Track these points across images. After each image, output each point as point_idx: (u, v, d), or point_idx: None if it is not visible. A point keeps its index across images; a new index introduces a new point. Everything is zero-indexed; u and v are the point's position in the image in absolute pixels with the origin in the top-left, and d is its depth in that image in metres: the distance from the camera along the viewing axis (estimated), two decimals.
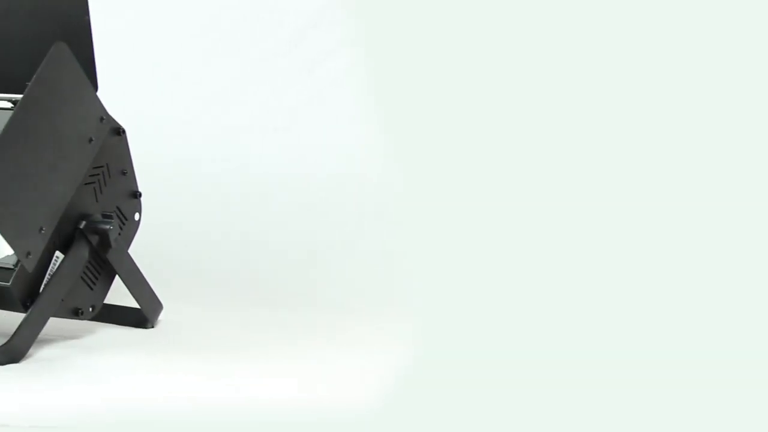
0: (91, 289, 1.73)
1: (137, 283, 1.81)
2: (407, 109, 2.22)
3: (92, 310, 1.74)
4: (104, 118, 1.71)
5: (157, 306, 1.87)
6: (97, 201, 1.72)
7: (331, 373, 1.61)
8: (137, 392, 1.49)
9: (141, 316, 1.86)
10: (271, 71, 2.28)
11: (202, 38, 2.32)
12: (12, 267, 1.62)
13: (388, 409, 1.41)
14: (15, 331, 1.59)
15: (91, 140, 1.69)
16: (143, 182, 1.82)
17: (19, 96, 1.79)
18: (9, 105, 1.83)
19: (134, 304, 1.83)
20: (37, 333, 1.62)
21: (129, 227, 1.80)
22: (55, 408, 1.40)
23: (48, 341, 1.72)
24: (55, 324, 1.80)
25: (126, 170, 1.78)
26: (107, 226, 1.69)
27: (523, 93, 2.17)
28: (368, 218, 2.20)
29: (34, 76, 1.54)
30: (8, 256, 1.64)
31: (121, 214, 1.78)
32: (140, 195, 1.81)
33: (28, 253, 1.58)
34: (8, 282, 1.59)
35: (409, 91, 2.23)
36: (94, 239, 1.71)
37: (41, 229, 1.60)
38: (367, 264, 2.11)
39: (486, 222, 2.07)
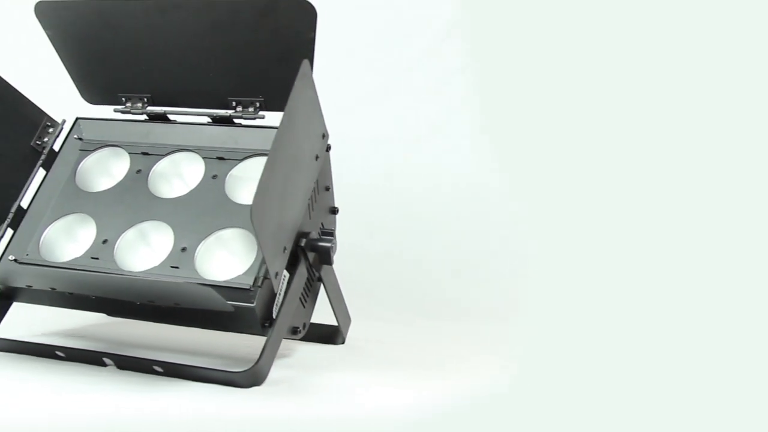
0: (303, 306, 1.71)
1: (339, 299, 1.80)
2: (541, 123, 2.27)
3: (303, 328, 1.72)
4: (325, 134, 1.69)
5: (348, 321, 1.86)
6: (310, 218, 1.70)
7: None
8: (384, 410, 1.49)
9: (332, 332, 1.84)
10: (406, 84, 2.28)
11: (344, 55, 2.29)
12: (248, 287, 1.58)
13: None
14: (261, 354, 1.55)
15: (317, 157, 1.67)
16: None
17: (214, 111, 1.78)
18: (207, 120, 1.79)
19: None
20: (275, 354, 1.59)
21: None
22: (320, 427, 1.41)
23: None
24: (244, 342, 1.78)
25: (329, 186, 1.76)
26: (328, 244, 1.67)
27: (640, 106, 2.25)
28: (504, 228, 2.24)
29: (291, 94, 1.50)
30: (240, 275, 1.61)
31: (324, 229, 1.76)
32: (337, 211, 1.79)
33: (277, 274, 1.55)
34: (252, 303, 1.56)
35: (542, 103, 2.27)
36: (311, 256, 1.68)
37: (285, 248, 1.57)
38: (516, 273, 2.15)
39: (615, 232, 2.15)
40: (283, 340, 1.78)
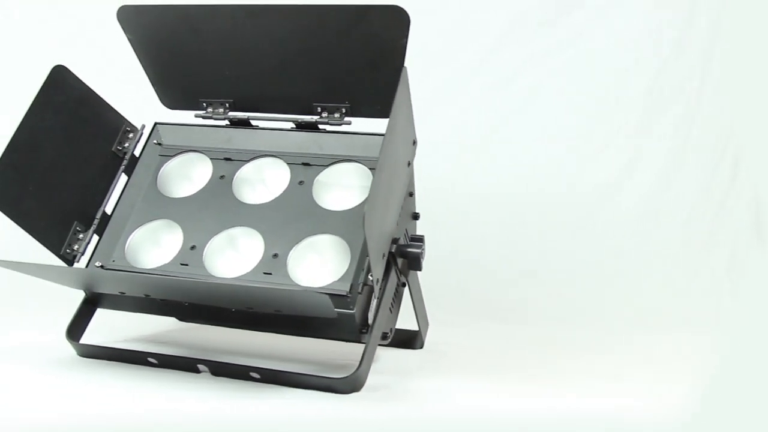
0: (391, 312, 1.71)
1: (421, 303, 1.81)
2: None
3: (391, 333, 1.72)
4: (415, 141, 1.69)
5: (427, 326, 1.86)
6: (397, 224, 1.70)
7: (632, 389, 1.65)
8: (484, 412, 1.50)
9: (411, 336, 1.85)
10: (467, 87, 2.28)
11: None
12: (346, 294, 1.58)
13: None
14: (361, 360, 1.55)
15: (409, 164, 1.68)
16: None
17: (299, 116, 1.78)
18: (290, 125, 1.79)
19: None
20: (372, 360, 1.60)
21: None
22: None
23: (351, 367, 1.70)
24: (323, 348, 1.79)
25: (413, 191, 1.76)
26: (418, 250, 1.67)
27: None
28: (568, 231, 2.25)
29: (395, 101, 1.50)
30: (335, 282, 1.61)
31: (413, 235, 1.76)
32: (419, 217, 1.79)
33: (378, 280, 1.55)
34: (352, 309, 1.56)
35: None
36: (400, 262, 1.69)
37: (384, 255, 1.58)
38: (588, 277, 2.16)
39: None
40: (358, 344, 1.80)
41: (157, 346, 1.78)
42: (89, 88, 1.79)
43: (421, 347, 1.87)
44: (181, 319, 1.94)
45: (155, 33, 1.79)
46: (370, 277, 1.57)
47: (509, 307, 2.14)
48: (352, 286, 1.59)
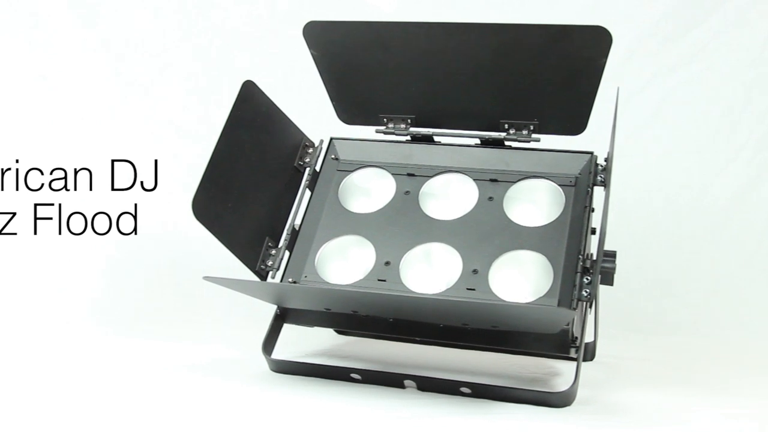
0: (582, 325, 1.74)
1: (597, 315, 1.84)
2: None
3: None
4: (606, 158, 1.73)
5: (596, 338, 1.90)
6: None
7: None
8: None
9: (589, 348, 1.88)
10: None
11: None
12: (573, 309, 1.60)
13: None
14: (576, 374, 1.58)
15: None
16: None
17: (485, 133, 1.80)
18: (476, 141, 1.81)
19: None
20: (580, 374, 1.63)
21: None
22: None
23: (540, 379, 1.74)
24: (510, 361, 1.81)
25: (593, 208, 1.79)
26: (612, 265, 1.70)
27: None
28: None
29: (614, 122, 1.54)
30: (541, 297, 1.63)
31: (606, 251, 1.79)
32: (595, 232, 1.82)
33: (595, 296, 1.59)
34: (567, 324, 1.58)
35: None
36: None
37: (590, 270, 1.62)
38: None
39: None
40: (535, 358, 1.83)
41: (346, 361, 1.79)
42: (273, 103, 1.79)
43: (592, 359, 1.90)
44: (339, 332, 1.96)
45: (342, 48, 1.79)
46: (584, 293, 1.60)
47: (648, 317, 2.18)
48: (559, 301, 1.62)
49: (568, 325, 1.58)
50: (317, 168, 1.85)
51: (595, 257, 1.66)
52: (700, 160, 2.34)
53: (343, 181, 1.84)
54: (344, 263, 1.76)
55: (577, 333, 1.64)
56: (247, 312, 2.02)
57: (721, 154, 2.33)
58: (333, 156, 1.86)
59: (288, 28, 2.10)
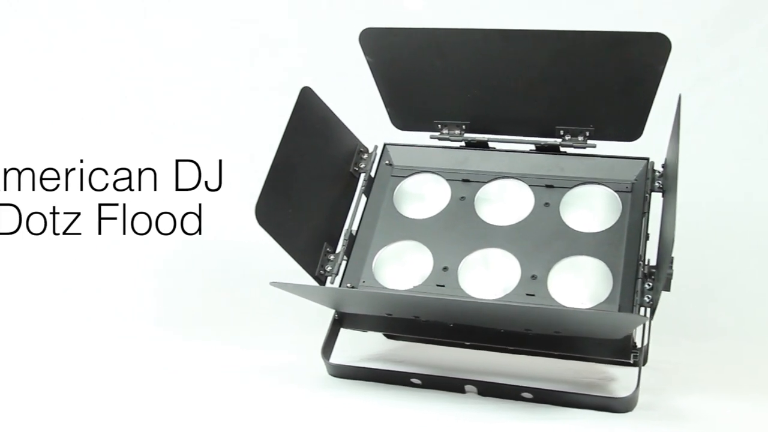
0: None
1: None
2: None
3: None
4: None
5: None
6: None
7: None
8: None
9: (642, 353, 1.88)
10: None
11: None
12: (642, 315, 1.61)
13: None
14: (638, 380, 1.58)
15: None
16: None
17: (540, 139, 1.80)
18: (531, 147, 1.81)
19: None
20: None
21: None
22: None
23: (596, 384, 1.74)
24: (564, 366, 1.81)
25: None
26: (671, 271, 1.70)
27: None
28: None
29: (673, 128, 1.54)
30: (601, 303, 1.64)
31: None
32: (649, 237, 1.82)
33: (657, 302, 1.59)
34: (630, 331, 1.59)
35: None
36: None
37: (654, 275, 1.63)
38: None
39: None
40: (588, 363, 1.83)
41: (402, 366, 1.80)
42: (329, 108, 1.80)
43: (644, 364, 1.90)
44: (389, 337, 1.96)
45: (397, 55, 1.80)
46: (646, 298, 1.61)
47: (697, 322, 2.18)
48: (620, 307, 1.63)
49: (632, 332, 1.59)
50: (372, 174, 1.86)
51: (654, 263, 1.67)
52: (747, 166, 2.34)
53: (398, 186, 1.85)
54: (401, 268, 1.77)
55: (636, 338, 1.65)
56: (294, 314, 2.04)
57: (767, 161, 2.34)
58: (387, 162, 1.87)
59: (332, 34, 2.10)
